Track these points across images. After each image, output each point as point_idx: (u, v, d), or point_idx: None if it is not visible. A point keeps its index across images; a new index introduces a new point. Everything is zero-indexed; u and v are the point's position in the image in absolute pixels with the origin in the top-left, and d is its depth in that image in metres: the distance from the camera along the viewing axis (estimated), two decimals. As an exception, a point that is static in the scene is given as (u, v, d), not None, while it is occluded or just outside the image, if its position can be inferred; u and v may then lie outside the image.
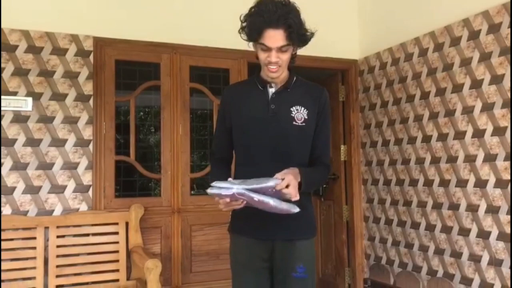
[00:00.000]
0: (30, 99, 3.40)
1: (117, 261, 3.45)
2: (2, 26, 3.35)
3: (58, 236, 3.34)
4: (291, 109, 2.00)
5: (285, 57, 1.93)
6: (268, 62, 1.92)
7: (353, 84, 4.57)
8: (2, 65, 3.35)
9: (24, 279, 3.23)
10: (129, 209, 3.56)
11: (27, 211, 3.36)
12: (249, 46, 2.03)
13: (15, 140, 3.36)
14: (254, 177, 1.85)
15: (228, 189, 1.73)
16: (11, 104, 3.35)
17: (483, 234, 3.26)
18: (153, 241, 3.72)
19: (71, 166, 3.49)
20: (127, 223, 3.54)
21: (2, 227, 3.20)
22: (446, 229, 3.54)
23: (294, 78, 2.08)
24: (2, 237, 3.19)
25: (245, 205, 1.83)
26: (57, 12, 3.52)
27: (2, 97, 3.33)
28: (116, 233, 3.50)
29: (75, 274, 3.35)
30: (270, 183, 1.73)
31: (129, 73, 3.86)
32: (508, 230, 3.09)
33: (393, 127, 4.08)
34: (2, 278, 3.14)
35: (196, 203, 3.89)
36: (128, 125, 3.82)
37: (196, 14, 3.90)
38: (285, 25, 1.85)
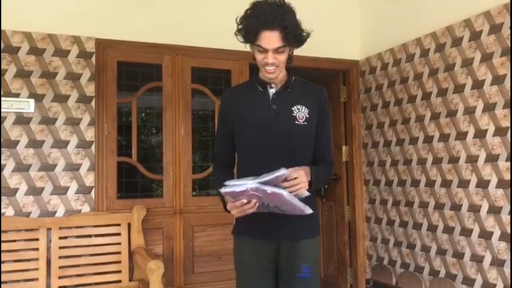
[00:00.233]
0: (32, 101, 3.41)
1: (120, 262, 3.46)
2: (5, 28, 3.36)
3: (60, 237, 3.35)
4: (292, 108, 2.01)
5: (282, 58, 1.95)
6: (265, 63, 1.94)
7: (354, 85, 4.57)
8: (5, 67, 3.36)
9: (26, 280, 3.24)
10: (131, 210, 3.57)
11: (30, 212, 3.36)
12: (245, 47, 2.04)
13: (18, 141, 3.36)
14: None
15: (242, 185, 1.73)
16: (13, 105, 3.36)
17: (485, 235, 3.26)
18: (155, 242, 3.73)
19: (73, 168, 3.50)
20: (129, 224, 3.54)
21: (5, 229, 3.21)
22: (448, 230, 3.54)
23: (293, 78, 2.10)
24: (5, 239, 3.20)
25: (257, 209, 1.83)
26: (59, 13, 3.53)
27: (5, 98, 3.34)
28: (118, 234, 3.50)
29: (78, 275, 3.36)
30: (282, 171, 1.73)
31: (131, 74, 3.87)
32: (509, 230, 3.09)
33: (395, 127, 4.08)
34: (5, 280, 3.15)
35: (198, 204, 3.90)
36: (130, 126, 3.82)
37: (197, 15, 3.91)
38: (281, 27, 1.86)
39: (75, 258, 3.38)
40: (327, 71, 4.68)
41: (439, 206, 3.63)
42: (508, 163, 3.11)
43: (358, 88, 4.57)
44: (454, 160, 3.50)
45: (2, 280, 3.13)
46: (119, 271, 3.44)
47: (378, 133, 4.29)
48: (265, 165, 1.88)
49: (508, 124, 3.12)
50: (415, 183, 3.85)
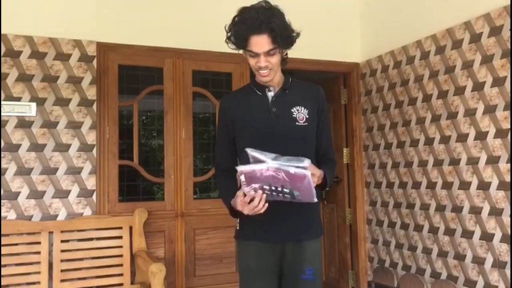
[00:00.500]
0: (34, 104, 3.42)
1: (121, 265, 3.46)
2: (6, 32, 3.38)
3: (62, 241, 3.36)
4: (292, 110, 2.02)
5: (274, 60, 1.96)
6: (258, 67, 1.95)
7: (355, 87, 4.58)
8: (7, 71, 3.37)
9: (28, 283, 3.24)
10: (133, 213, 3.57)
11: (32, 216, 3.37)
12: (238, 52, 2.06)
13: (19, 145, 3.37)
14: None
15: (262, 164, 1.73)
16: (15, 109, 3.37)
17: (487, 236, 3.26)
18: (157, 245, 3.74)
19: (75, 171, 3.51)
20: (131, 228, 3.55)
21: (7, 232, 3.21)
22: (449, 232, 3.55)
23: (290, 80, 2.11)
24: (7, 242, 3.21)
25: (264, 204, 1.83)
26: (60, 18, 3.54)
27: (6, 102, 3.35)
28: (120, 237, 3.51)
29: (80, 279, 3.37)
30: (305, 163, 1.73)
31: (132, 77, 3.88)
32: (511, 232, 3.09)
33: (396, 129, 4.09)
34: (6, 283, 3.15)
35: (199, 207, 3.90)
36: (132, 129, 3.83)
37: (198, 19, 3.92)
38: (269, 30, 1.87)
39: (76, 262, 3.38)
40: (328, 74, 4.69)
41: (440, 208, 3.63)
42: (509, 165, 3.11)
43: (358, 91, 4.57)
44: (455, 162, 3.51)
45: (4, 283, 3.14)
46: (121, 274, 3.45)
47: (379, 135, 4.30)
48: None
49: (509, 126, 3.12)
50: (416, 185, 3.85)
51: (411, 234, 3.90)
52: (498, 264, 3.17)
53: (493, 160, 3.22)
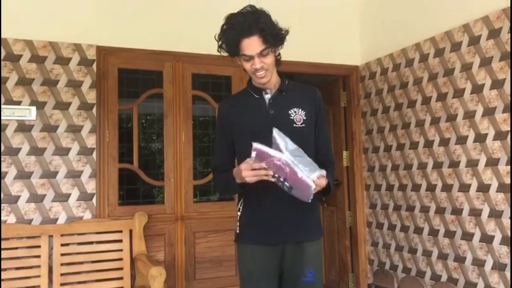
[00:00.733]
0: (34, 108, 3.43)
1: (121, 268, 3.46)
2: (6, 36, 3.38)
3: (62, 245, 3.36)
4: (289, 112, 2.03)
5: (269, 60, 1.97)
6: (254, 69, 1.97)
7: (354, 90, 4.59)
8: (7, 75, 3.38)
9: (28, 287, 3.23)
10: (133, 216, 3.58)
11: (32, 219, 3.37)
12: (232, 61, 2.08)
13: (19, 149, 3.38)
14: (264, 184, 1.88)
15: (278, 153, 1.74)
16: (15, 113, 3.38)
17: (487, 239, 3.26)
18: (157, 249, 3.73)
19: (75, 175, 3.51)
20: (131, 231, 3.55)
21: (6, 236, 3.21)
22: (449, 234, 3.55)
23: (286, 82, 2.12)
24: (6, 246, 3.20)
25: (266, 178, 1.82)
26: (60, 21, 3.55)
27: (6, 106, 3.35)
28: (120, 241, 3.51)
29: (80, 282, 3.36)
30: (316, 174, 1.75)
31: (132, 81, 3.89)
32: (511, 234, 3.09)
33: (395, 132, 4.09)
34: (7, 287, 3.15)
35: (199, 210, 3.90)
36: (131, 133, 3.84)
37: (197, 22, 3.93)
38: (258, 30, 1.90)
39: (76, 265, 3.38)
40: (327, 77, 4.70)
41: (440, 211, 3.63)
42: (508, 167, 3.12)
43: (358, 93, 4.58)
44: (454, 164, 3.51)
45: (4, 287, 3.13)
46: (121, 278, 3.44)
47: (378, 138, 4.30)
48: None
49: (508, 128, 3.13)
50: (416, 187, 3.86)
51: (411, 237, 3.90)
52: (498, 266, 3.17)
53: (492, 162, 3.23)
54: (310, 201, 1.81)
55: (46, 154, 3.44)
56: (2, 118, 3.33)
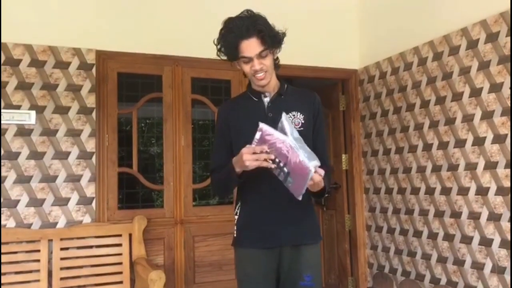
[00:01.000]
0: (33, 113, 3.43)
1: (121, 273, 3.46)
2: (6, 41, 3.39)
3: (62, 249, 3.35)
4: (288, 115, 2.04)
5: (268, 62, 1.99)
6: (254, 71, 1.98)
7: (353, 94, 4.60)
8: (6, 79, 3.39)
9: (28, 291, 3.24)
10: (132, 220, 3.58)
11: (31, 223, 3.37)
12: (232, 65, 2.10)
13: (19, 153, 3.38)
14: (261, 187, 1.92)
15: (283, 136, 1.77)
16: (14, 117, 3.38)
17: (486, 242, 3.26)
18: (156, 253, 3.73)
19: (74, 179, 3.51)
20: (130, 235, 3.55)
21: (6, 240, 3.21)
22: (449, 237, 3.55)
23: (286, 86, 2.14)
24: (6, 250, 3.20)
25: (266, 166, 1.83)
26: (59, 26, 3.56)
27: (6, 110, 3.36)
28: (120, 245, 3.51)
29: (79, 286, 3.36)
30: (314, 163, 1.76)
31: (131, 85, 3.90)
32: (510, 238, 3.10)
33: (394, 135, 4.10)
34: (6, 291, 3.16)
35: (199, 214, 3.91)
36: (131, 137, 3.84)
37: (197, 26, 3.94)
38: (256, 32, 1.93)
39: (76, 269, 3.38)
40: (326, 80, 4.71)
41: (439, 214, 3.64)
42: (507, 170, 3.13)
43: (357, 97, 4.59)
44: (453, 167, 3.52)
45: (3, 292, 3.14)
46: (121, 282, 3.44)
47: (377, 141, 4.31)
48: (264, 173, 1.89)
49: (506, 132, 3.14)
50: (415, 191, 3.86)
51: (410, 240, 3.91)
52: (497, 270, 3.18)
53: (491, 166, 3.24)
54: (300, 197, 1.81)
55: (46, 158, 3.45)
56: (1, 122, 3.33)
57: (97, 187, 3.59)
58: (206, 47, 3.88)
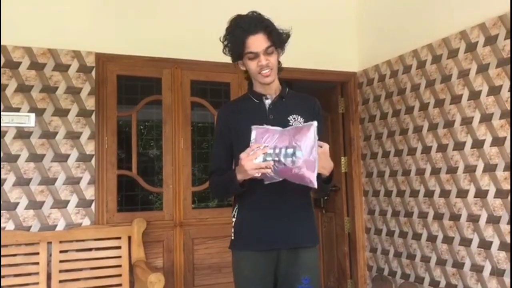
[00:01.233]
0: (33, 115, 3.44)
1: (120, 275, 3.45)
2: (5, 44, 3.40)
3: (61, 251, 3.35)
4: (289, 118, 2.04)
5: (273, 59, 2.02)
6: (260, 67, 2.00)
7: (352, 96, 4.60)
8: (6, 82, 3.39)
9: (27, 294, 3.23)
10: (132, 223, 3.57)
11: (30, 226, 3.37)
12: (235, 66, 2.12)
13: (18, 155, 3.38)
14: (259, 190, 1.94)
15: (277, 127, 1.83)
16: (14, 120, 3.38)
17: (485, 244, 3.27)
18: (156, 255, 3.73)
19: (73, 181, 3.51)
20: (129, 237, 3.55)
21: (5, 243, 3.21)
22: (448, 240, 3.55)
23: (287, 89, 2.15)
24: (5, 253, 3.20)
25: (268, 178, 1.84)
26: (59, 29, 3.57)
27: (5, 113, 3.36)
28: (119, 247, 3.51)
29: (78, 289, 3.36)
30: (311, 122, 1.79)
31: (131, 88, 3.90)
32: (509, 240, 3.10)
33: (393, 138, 4.11)
34: (5, 294, 3.15)
35: (198, 216, 3.90)
36: (130, 139, 3.84)
37: (196, 29, 3.95)
38: (263, 28, 1.98)
39: (75, 272, 3.37)
40: (325, 83, 4.72)
41: (438, 216, 3.64)
42: (506, 173, 3.13)
43: (356, 100, 4.60)
44: (452, 170, 3.52)
45: (2, 294, 3.13)
46: (120, 285, 3.44)
47: (376, 144, 4.32)
48: (268, 180, 1.89)
49: (505, 134, 3.15)
50: (414, 193, 3.87)
51: (409, 243, 3.91)
52: (497, 272, 3.18)
53: (490, 168, 3.24)
54: (315, 183, 1.79)
55: (45, 160, 3.45)
56: (1, 124, 3.33)
57: (97, 190, 3.59)
58: (205, 50, 3.94)
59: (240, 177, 1.89)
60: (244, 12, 2.06)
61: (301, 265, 2.01)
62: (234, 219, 2.11)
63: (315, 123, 1.79)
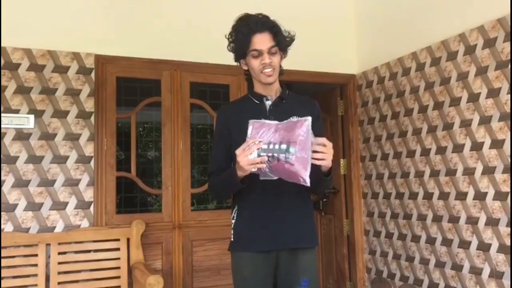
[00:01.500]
0: (32, 117, 3.43)
1: (119, 277, 3.45)
2: (5, 45, 3.40)
3: (59, 253, 3.34)
4: (289, 119, 2.05)
5: (276, 60, 2.05)
6: (263, 66, 2.03)
7: (351, 99, 4.61)
8: (5, 83, 3.39)
9: (25, 296, 3.23)
10: (130, 225, 3.57)
11: (29, 228, 3.36)
12: (238, 65, 2.15)
13: (17, 157, 3.38)
14: (258, 191, 1.95)
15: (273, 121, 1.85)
16: (13, 121, 3.38)
17: (484, 247, 3.27)
18: (154, 257, 3.73)
19: (72, 183, 3.51)
20: (128, 239, 3.54)
21: (4, 244, 3.20)
22: (447, 242, 3.55)
23: (287, 91, 2.17)
24: (4, 255, 3.19)
25: (263, 172, 1.83)
26: (59, 30, 3.57)
27: (5, 114, 3.36)
28: (118, 249, 3.50)
29: (77, 291, 3.35)
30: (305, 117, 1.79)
31: (130, 89, 3.90)
32: (508, 242, 3.10)
33: (392, 140, 4.11)
34: (3, 296, 3.14)
35: (197, 218, 3.90)
36: (129, 141, 3.84)
37: (195, 31, 3.95)
38: (269, 28, 2.03)
39: (74, 274, 3.37)
40: (325, 85, 4.73)
41: (437, 219, 3.64)
42: (505, 175, 3.13)
43: (355, 102, 4.60)
44: (451, 172, 3.53)
45: (1, 296, 3.12)
46: (118, 287, 3.43)
47: (375, 146, 4.32)
48: (263, 176, 1.90)
49: (504, 137, 3.15)
50: (413, 195, 3.87)
51: (408, 245, 3.91)
52: (495, 274, 3.18)
53: (489, 171, 3.24)
54: (307, 179, 1.76)
55: (44, 162, 3.44)
56: (0, 126, 3.33)
57: (95, 191, 3.58)
58: (204, 52, 3.95)
59: (239, 173, 1.89)
60: (243, 14, 2.08)
61: (300, 266, 2.02)
62: (233, 221, 2.12)
63: (309, 119, 1.79)
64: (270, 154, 1.79)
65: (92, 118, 3.62)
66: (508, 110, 3.13)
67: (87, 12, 3.67)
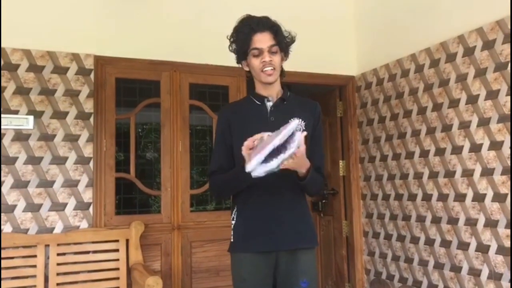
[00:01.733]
0: (31, 118, 3.43)
1: (118, 278, 3.45)
2: (4, 46, 3.40)
3: (58, 254, 3.34)
4: (290, 120, 2.05)
5: (277, 59, 2.06)
6: (263, 64, 2.04)
7: (350, 100, 4.61)
8: (4, 84, 3.39)
9: (24, 297, 3.22)
10: (130, 226, 3.57)
11: (28, 229, 3.36)
12: (240, 66, 2.15)
13: (16, 158, 3.38)
14: (258, 192, 1.96)
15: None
16: (12, 122, 3.38)
17: (482, 248, 3.27)
18: (153, 258, 3.73)
19: (71, 184, 3.51)
20: (127, 240, 3.54)
21: (3, 245, 3.20)
22: (445, 243, 3.56)
23: (288, 93, 2.18)
24: (3, 256, 3.19)
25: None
26: (58, 31, 3.57)
27: (4, 115, 3.36)
28: (117, 250, 3.50)
29: (76, 292, 3.35)
30: (292, 125, 1.75)
31: (129, 91, 3.91)
32: (507, 244, 3.11)
33: (391, 142, 4.11)
34: (2, 297, 3.14)
35: (196, 219, 3.90)
36: (128, 142, 3.84)
37: (195, 32, 3.96)
38: (270, 28, 2.06)
39: (73, 275, 3.36)
40: (324, 87, 4.73)
41: (436, 220, 3.64)
42: (504, 177, 3.14)
43: (354, 103, 4.61)
44: (450, 174, 3.53)
45: (-1, 297, 3.12)
46: (117, 288, 3.44)
47: (374, 147, 4.32)
48: (264, 177, 1.90)
49: (503, 138, 3.16)
50: (412, 197, 3.87)
51: (407, 246, 3.91)
52: (494, 276, 3.18)
53: (487, 172, 3.25)
54: (265, 154, 1.73)
55: (43, 163, 3.44)
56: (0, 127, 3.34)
57: (95, 192, 3.58)
58: (204, 53, 3.95)
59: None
60: (242, 15, 2.10)
61: (300, 268, 2.02)
62: (233, 222, 2.12)
63: (296, 120, 1.82)
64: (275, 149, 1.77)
65: (92, 119, 3.62)
66: (507, 112, 3.14)
67: (87, 13, 3.67)
